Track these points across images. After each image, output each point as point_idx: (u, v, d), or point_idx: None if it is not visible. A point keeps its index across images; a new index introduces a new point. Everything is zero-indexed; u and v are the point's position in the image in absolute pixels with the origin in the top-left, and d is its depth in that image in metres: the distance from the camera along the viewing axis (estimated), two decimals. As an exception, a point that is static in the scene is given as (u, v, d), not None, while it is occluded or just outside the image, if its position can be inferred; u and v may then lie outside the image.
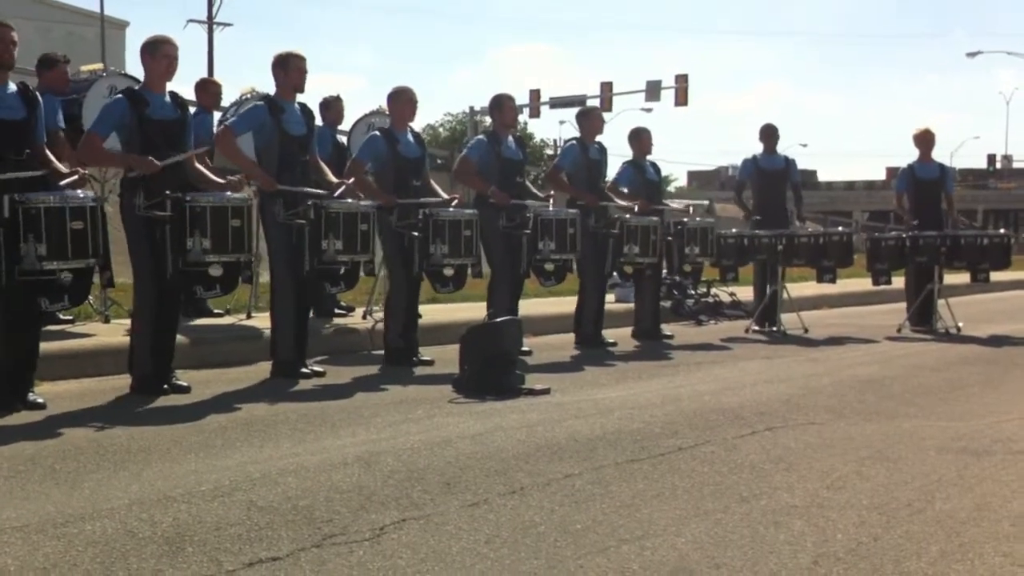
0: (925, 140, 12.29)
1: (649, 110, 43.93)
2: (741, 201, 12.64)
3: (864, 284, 13.93)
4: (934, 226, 11.94)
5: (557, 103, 44.16)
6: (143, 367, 6.89)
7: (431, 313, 10.19)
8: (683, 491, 4.57)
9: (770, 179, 12.21)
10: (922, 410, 6.66)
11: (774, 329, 11.56)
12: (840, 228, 13.81)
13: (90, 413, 6.24)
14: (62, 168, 6.56)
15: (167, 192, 6.67)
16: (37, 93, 6.55)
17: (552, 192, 10.10)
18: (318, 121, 9.65)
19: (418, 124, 9.14)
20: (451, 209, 8.55)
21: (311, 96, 7.93)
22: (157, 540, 3.77)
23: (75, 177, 6.56)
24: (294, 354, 7.75)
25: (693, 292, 13.49)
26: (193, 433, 5.67)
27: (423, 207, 8.42)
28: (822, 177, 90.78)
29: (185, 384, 6.98)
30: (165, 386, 6.89)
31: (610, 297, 11.95)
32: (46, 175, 6.42)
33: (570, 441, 5.56)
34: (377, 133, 8.74)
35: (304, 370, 7.73)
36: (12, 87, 6.35)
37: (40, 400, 6.31)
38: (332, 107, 10.64)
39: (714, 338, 11.05)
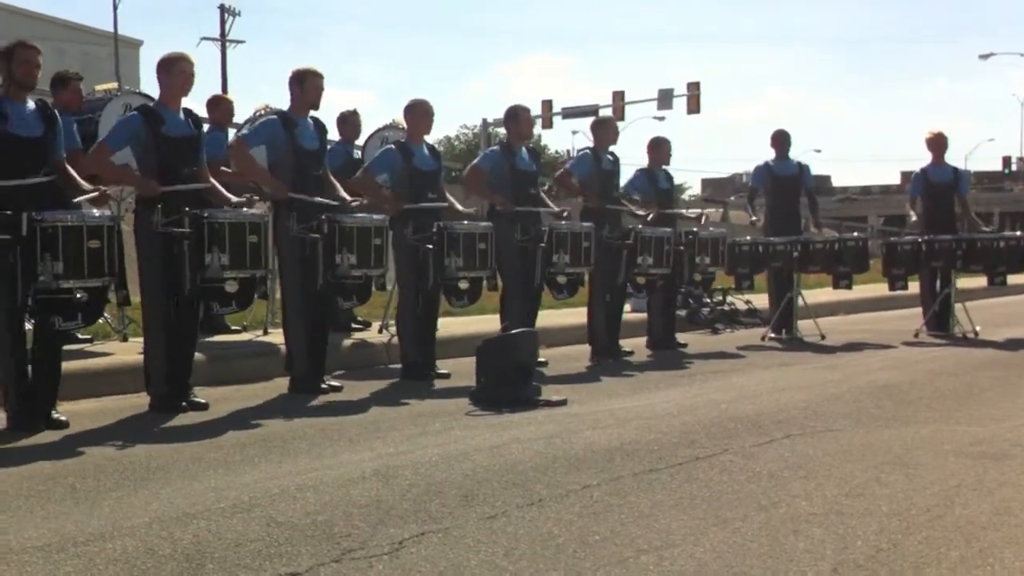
0: (938, 144, 12.26)
1: (661, 118, 43.90)
2: (752, 208, 12.63)
3: (880, 289, 13.90)
4: (948, 230, 11.91)
5: (569, 113, 44.20)
6: (159, 385, 6.93)
7: (447, 326, 10.19)
8: (701, 500, 4.57)
9: (784, 185, 12.18)
10: (940, 415, 6.64)
11: (790, 336, 11.54)
12: (855, 233, 13.77)
13: (109, 431, 6.27)
14: (85, 185, 6.61)
15: (185, 208, 6.72)
16: (56, 111, 6.61)
17: (567, 211, 10.12)
18: (335, 136, 9.71)
19: (433, 137, 9.17)
20: (465, 222, 8.57)
21: (324, 111, 7.97)
22: (177, 557, 3.79)
23: (95, 194, 6.61)
24: (310, 369, 7.76)
25: (708, 301, 13.47)
26: (212, 450, 5.69)
27: (437, 215, 8.46)
28: (836, 182, 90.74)
29: (203, 401, 7.01)
30: (184, 403, 6.92)
31: (626, 307, 11.95)
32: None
33: (587, 452, 5.56)
34: (392, 147, 8.77)
35: (322, 385, 7.75)
36: (31, 104, 6.41)
37: (63, 418, 6.35)
38: (349, 122, 10.67)
39: (730, 346, 11.04)
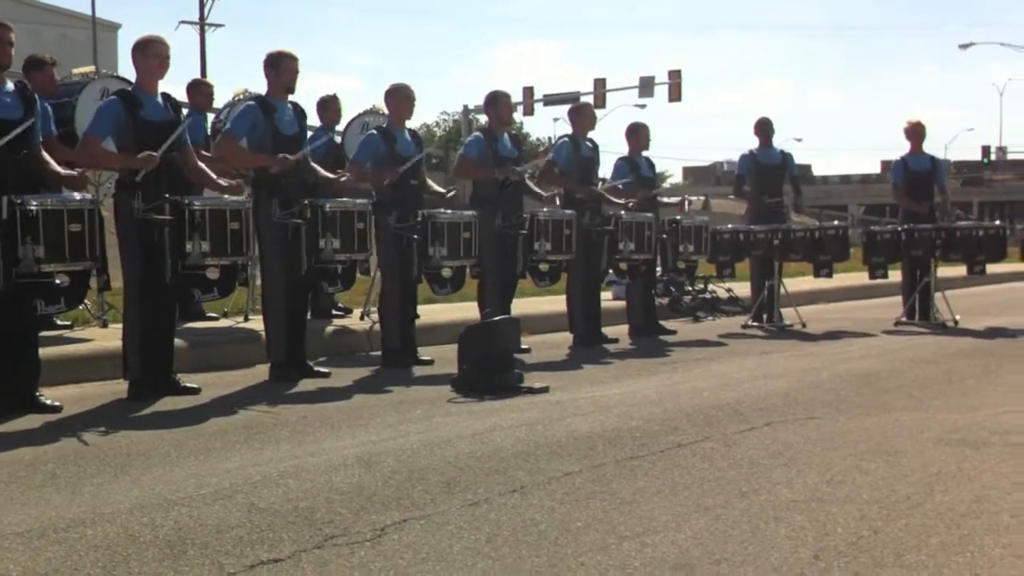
0: (916, 132, 12.26)
1: (643, 106, 43.91)
2: (743, 192, 12.61)
3: (861, 278, 13.94)
4: (927, 219, 11.95)
5: (551, 100, 44.20)
6: (136, 372, 6.90)
7: (429, 313, 10.18)
8: (683, 487, 4.58)
9: (768, 173, 12.19)
10: (920, 403, 6.67)
11: (771, 324, 11.57)
12: (836, 222, 13.81)
13: (89, 418, 6.24)
14: (60, 170, 6.56)
15: (166, 196, 6.68)
16: (35, 94, 6.55)
17: (555, 191, 10.12)
18: (316, 121, 9.67)
19: (414, 123, 9.15)
20: (448, 211, 8.55)
21: (306, 96, 7.96)
22: (158, 544, 3.77)
23: (74, 174, 6.56)
24: (287, 355, 7.74)
25: (690, 289, 13.49)
26: (193, 436, 5.67)
27: (420, 203, 8.46)
28: (817, 171, 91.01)
29: (195, 386, 7.03)
30: (180, 386, 6.99)
31: (608, 295, 11.96)
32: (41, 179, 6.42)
33: (569, 439, 5.57)
34: (374, 132, 8.73)
35: (316, 368, 7.81)
36: (10, 86, 6.36)
37: (57, 403, 6.37)
38: (329, 106, 10.62)
39: (712, 334, 11.06)
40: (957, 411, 6.37)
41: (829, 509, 4.20)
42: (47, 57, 8.86)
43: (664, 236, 10.92)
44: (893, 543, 3.79)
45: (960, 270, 12.66)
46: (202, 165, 7.23)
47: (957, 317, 11.67)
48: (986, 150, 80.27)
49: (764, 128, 12.30)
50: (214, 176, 7.24)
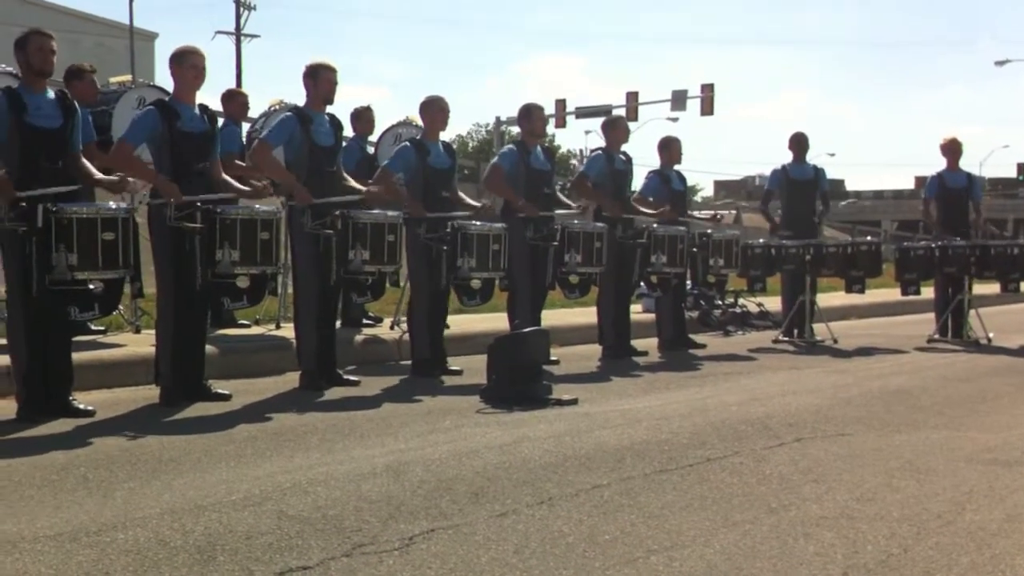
0: (952, 149, 12.21)
1: (675, 119, 43.79)
2: (767, 212, 12.59)
3: (893, 294, 13.84)
4: (962, 236, 11.87)
5: (583, 113, 44.19)
6: (168, 377, 6.96)
7: (458, 323, 10.21)
8: (711, 502, 4.56)
9: (799, 189, 12.15)
10: (952, 421, 6.62)
11: (802, 340, 11.51)
12: (869, 238, 13.72)
13: (122, 422, 6.29)
14: (100, 175, 6.61)
15: (198, 203, 6.74)
16: (75, 102, 6.63)
17: (584, 203, 10.12)
18: (348, 132, 9.72)
19: (447, 135, 9.18)
20: (478, 223, 8.56)
21: (339, 107, 7.98)
22: (189, 549, 3.80)
23: (115, 179, 6.63)
24: (318, 363, 7.77)
25: (720, 303, 13.44)
26: (224, 443, 5.71)
27: (451, 219, 8.46)
28: (850, 187, 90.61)
29: (227, 392, 7.08)
30: (212, 393, 7.03)
31: (638, 307, 11.94)
32: (78, 190, 6.48)
33: (598, 451, 5.57)
34: (408, 144, 8.77)
35: (346, 377, 7.84)
36: (51, 94, 6.43)
37: (90, 408, 6.43)
38: (362, 117, 10.70)
39: (741, 349, 11.02)
40: (989, 430, 6.32)
41: (859, 526, 4.18)
42: (88, 66, 9.00)
43: (695, 249, 10.89)
44: (923, 562, 3.76)
45: (994, 287, 12.57)
46: (227, 177, 7.28)
47: (990, 335, 11.57)
48: (1021, 167, 79.51)
49: (799, 143, 12.25)
50: (239, 185, 7.29)
